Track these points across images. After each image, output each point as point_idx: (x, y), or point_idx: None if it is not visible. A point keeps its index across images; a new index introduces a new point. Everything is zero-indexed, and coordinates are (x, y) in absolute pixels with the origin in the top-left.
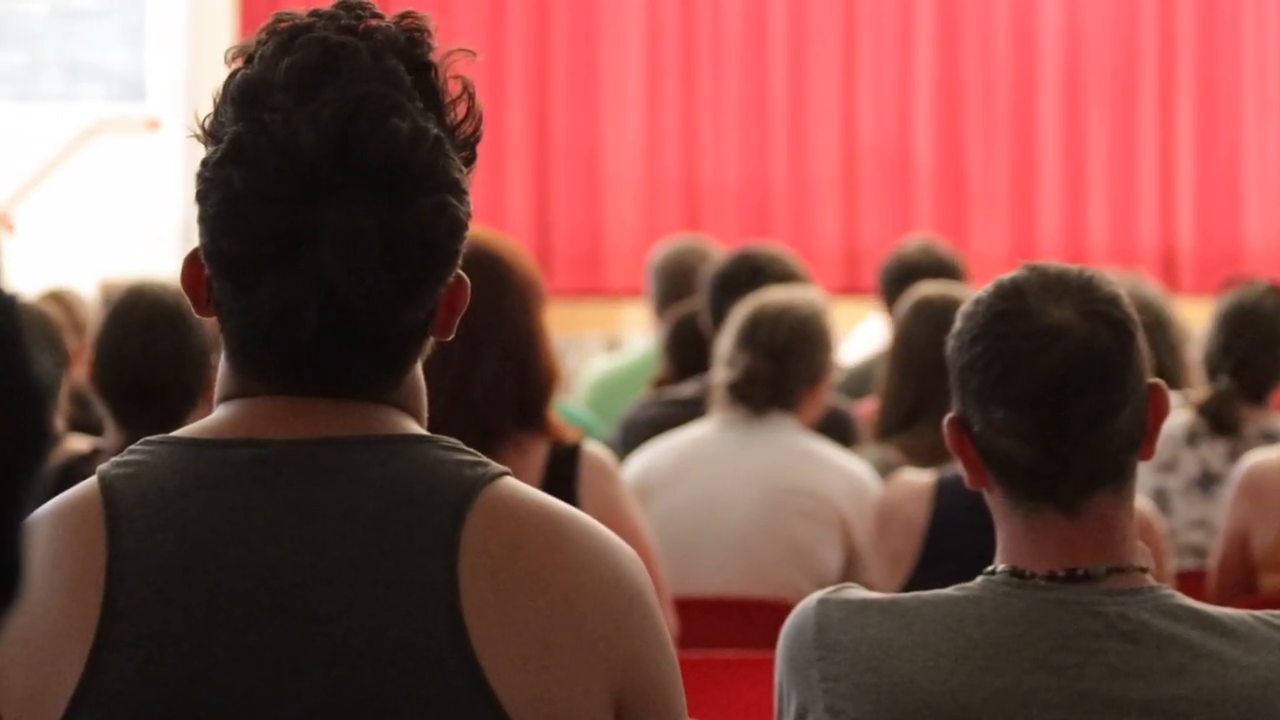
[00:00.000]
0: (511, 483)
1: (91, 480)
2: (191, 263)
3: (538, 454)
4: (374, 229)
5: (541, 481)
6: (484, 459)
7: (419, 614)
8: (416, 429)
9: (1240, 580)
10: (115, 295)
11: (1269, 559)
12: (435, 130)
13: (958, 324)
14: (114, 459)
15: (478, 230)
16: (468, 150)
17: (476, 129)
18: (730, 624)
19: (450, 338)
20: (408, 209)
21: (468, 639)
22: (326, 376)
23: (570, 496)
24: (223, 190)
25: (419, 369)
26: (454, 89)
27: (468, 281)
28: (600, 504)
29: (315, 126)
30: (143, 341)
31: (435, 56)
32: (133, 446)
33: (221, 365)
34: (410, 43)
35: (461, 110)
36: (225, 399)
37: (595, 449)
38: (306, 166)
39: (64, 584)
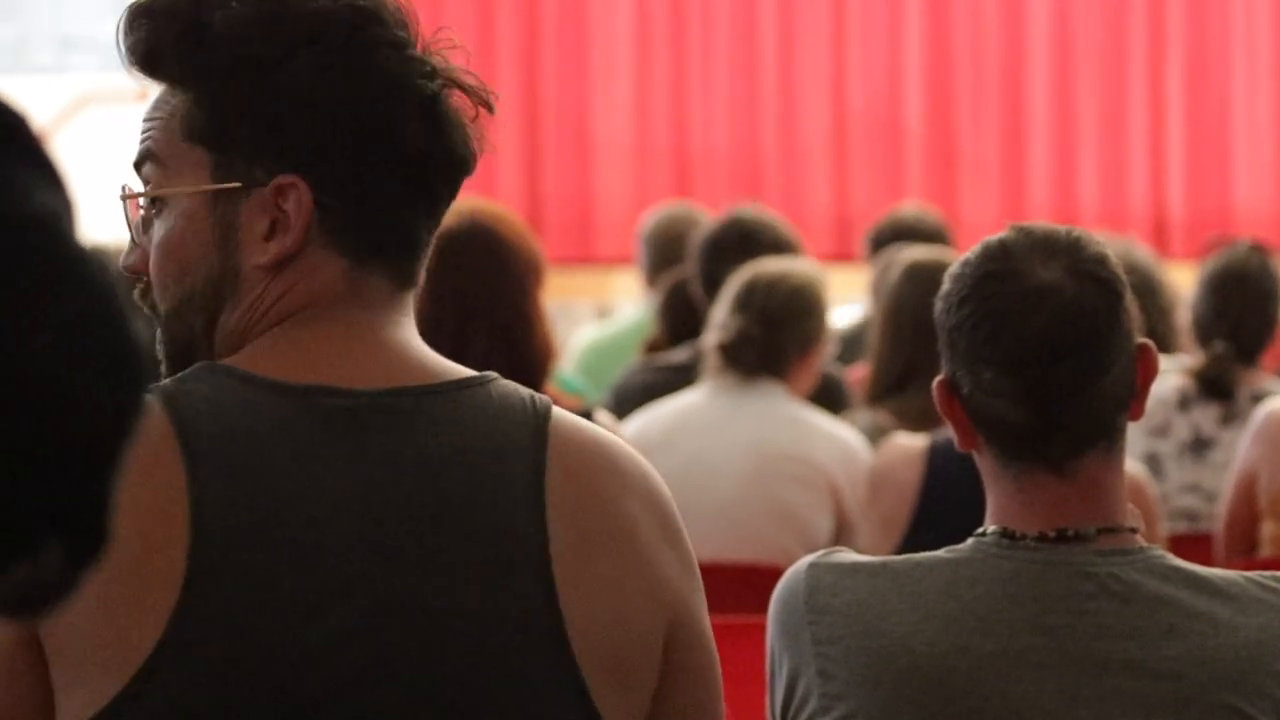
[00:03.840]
0: (562, 414)
1: (158, 413)
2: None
3: None
4: None
5: None
6: (521, 388)
7: (514, 572)
8: (461, 369)
9: (1245, 532)
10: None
11: (1272, 505)
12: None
13: (945, 285)
14: (175, 386)
15: (483, 204)
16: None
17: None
18: (721, 589)
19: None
20: None
21: (556, 596)
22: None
23: None
24: None
25: None
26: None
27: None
28: None
29: None
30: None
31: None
32: (196, 373)
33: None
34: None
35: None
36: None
37: (606, 419)
38: None
39: (141, 531)
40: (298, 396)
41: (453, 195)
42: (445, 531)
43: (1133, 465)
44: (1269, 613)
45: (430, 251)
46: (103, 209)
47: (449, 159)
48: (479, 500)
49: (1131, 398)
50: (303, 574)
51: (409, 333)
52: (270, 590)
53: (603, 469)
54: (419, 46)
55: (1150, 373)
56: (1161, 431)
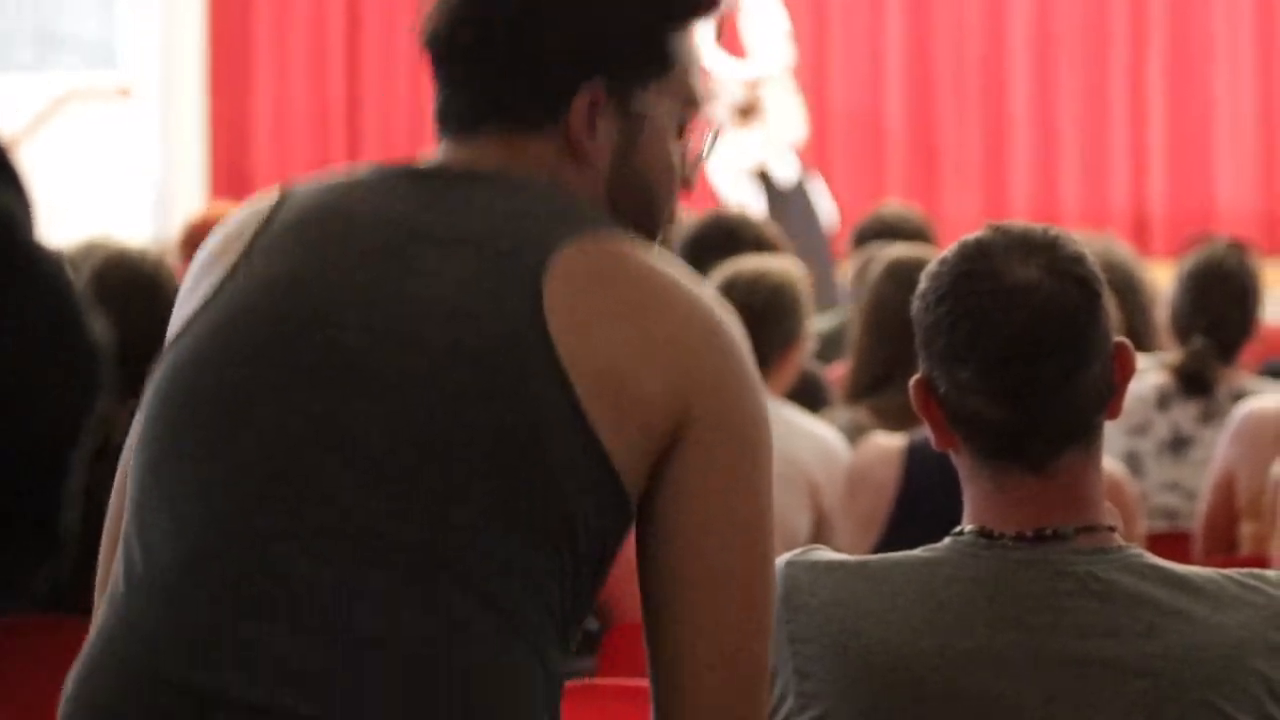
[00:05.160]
0: (627, 238)
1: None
2: None
3: None
4: None
5: None
6: (616, 228)
7: (506, 288)
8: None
9: (1225, 532)
10: (93, 260)
11: (1251, 505)
12: None
13: (922, 284)
14: None
15: None
16: None
17: None
18: None
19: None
20: None
21: (543, 314)
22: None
23: None
24: None
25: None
26: None
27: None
28: None
29: None
30: (117, 308)
31: None
32: None
33: None
34: None
35: None
36: None
37: None
38: None
39: (220, 245)
40: (397, 165)
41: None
42: (460, 247)
43: (1111, 463)
44: (1248, 610)
45: None
46: (83, 205)
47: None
48: (499, 242)
49: (1109, 396)
50: (330, 249)
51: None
52: (299, 257)
53: (637, 266)
54: None
55: (1127, 371)
56: (1141, 430)
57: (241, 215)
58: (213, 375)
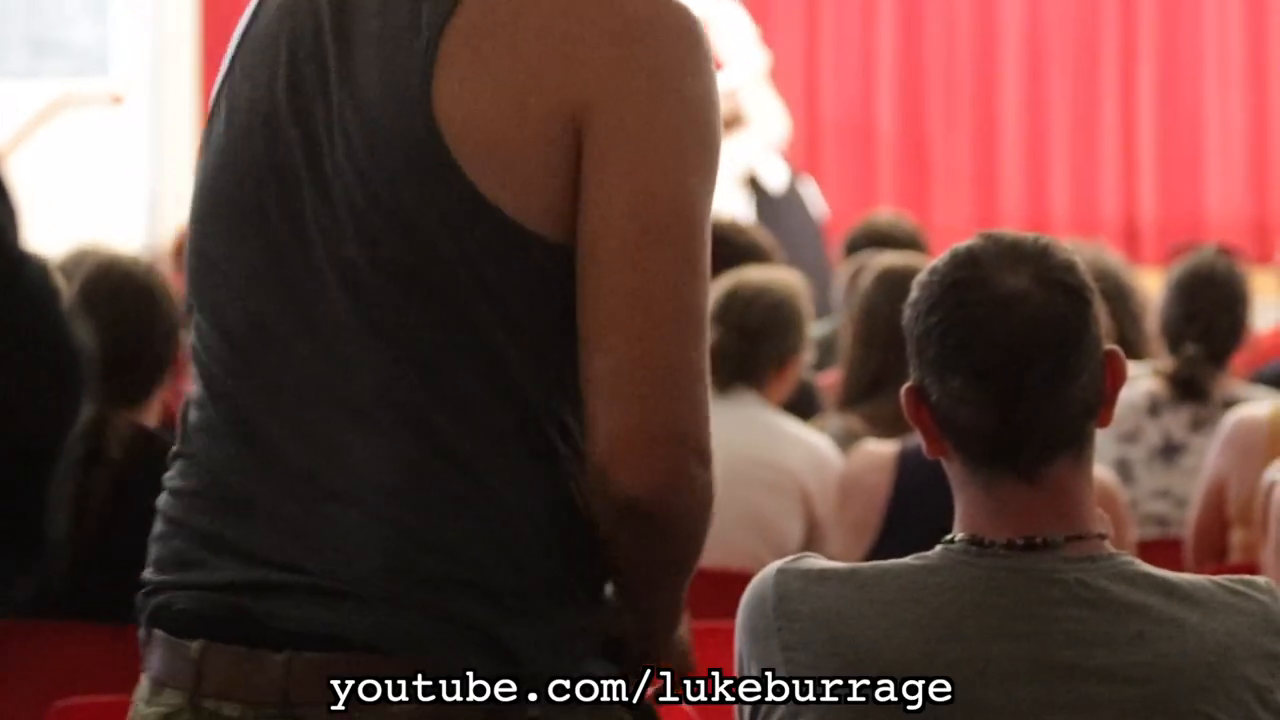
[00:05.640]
0: None
1: None
2: None
3: None
4: None
5: None
6: None
7: (403, 75)
8: None
9: (1215, 539)
10: (85, 267)
11: (1241, 513)
12: None
13: (914, 293)
14: None
15: None
16: None
17: None
18: (691, 593)
19: None
20: None
21: (430, 98)
22: None
23: None
24: None
25: None
26: None
27: None
28: None
29: None
30: (109, 315)
31: None
32: None
33: None
34: None
35: None
36: None
37: None
38: None
39: (232, 42)
40: None
41: None
42: (367, 46)
43: (1102, 470)
44: (1237, 616)
45: None
46: (76, 211)
47: None
48: (401, 18)
49: (1100, 405)
50: (272, 76)
51: None
52: (250, 91)
53: None
54: None
55: (1119, 379)
56: (1132, 437)
57: (245, 14)
58: (214, 231)
